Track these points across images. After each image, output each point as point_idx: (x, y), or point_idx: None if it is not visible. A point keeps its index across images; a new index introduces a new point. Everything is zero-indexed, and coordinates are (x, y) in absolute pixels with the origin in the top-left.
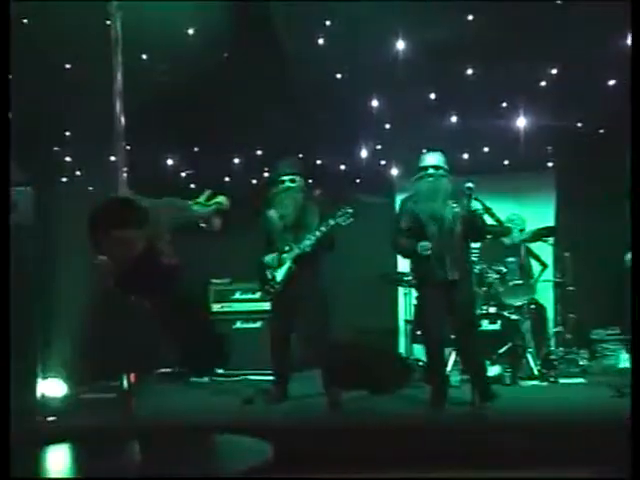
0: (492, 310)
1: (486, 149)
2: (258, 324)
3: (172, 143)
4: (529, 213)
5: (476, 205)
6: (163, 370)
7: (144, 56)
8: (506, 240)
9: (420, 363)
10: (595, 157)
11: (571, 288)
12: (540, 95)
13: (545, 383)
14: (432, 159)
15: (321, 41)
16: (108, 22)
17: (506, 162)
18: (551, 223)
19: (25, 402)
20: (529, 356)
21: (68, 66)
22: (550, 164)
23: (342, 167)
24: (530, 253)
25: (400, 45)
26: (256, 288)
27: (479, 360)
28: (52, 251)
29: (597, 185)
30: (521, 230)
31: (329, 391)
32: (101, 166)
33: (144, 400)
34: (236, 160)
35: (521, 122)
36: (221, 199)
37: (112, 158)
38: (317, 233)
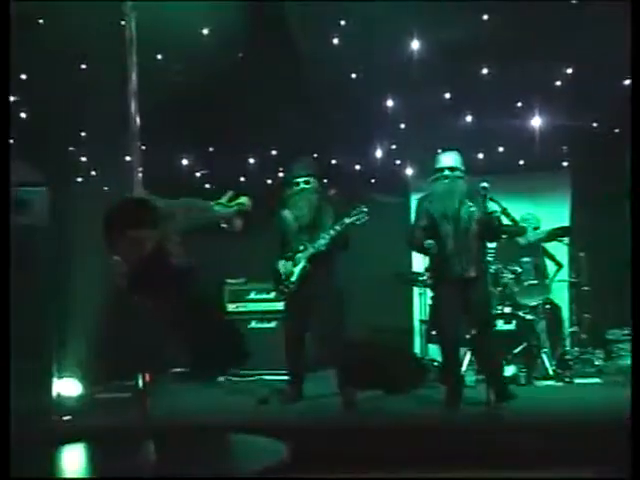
0: (507, 310)
1: (501, 149)
2: (273, 324)
3: (187, 143)
4: (544, 213)
5: (492, 205)
6: (178, 370)
7: (159, 56)
8: (521, 240)
9: (435, 363)
10: (610, 157)
11: (586, 288)
12: (555, 95)
13: (560, 383)
14: (448, 160)
15: (336, 41)
16: (123, 22)
17: (521, 162)
18: (566, 223)
19: (41, 402)
20: (544, 356)
21: (83, 66)
22: (565, 164)
23: (357, 167)
24: (545, 253)
25: (415, 45)
26: (271, 288)
27: (496, 360)
28: (67, 251)
29: (613, 185)
30: (535, 228)
31: (344, 391)
32: (116, 166)
33: (159, 400)
34: (251, 160)
35: (536, 122)
36: (243, 200)
37: (127, 158)
38: (332, 232)
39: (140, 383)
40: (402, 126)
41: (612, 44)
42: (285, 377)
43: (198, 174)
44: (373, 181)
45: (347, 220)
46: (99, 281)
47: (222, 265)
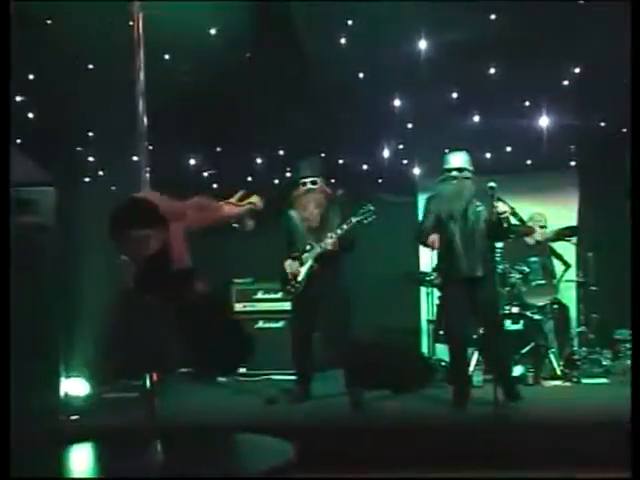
0: (515, 310)
1: (509, 148)
2: (280, 324)
3: (194, 143)
4: (552, 212)
5: (500, 205)
6: (185, 369)
7: (167, 56)
8: (529, 240)
9: (442, 363)
10: (618, 156)
11: (594, 288)
12: (563, 94)
13: (568, 383)
14: (456, 160)
15: (343, 41)
16: (131, 23)
17: (529, 161)
18: (574, 223)
19: (48, 401)
20: (552, 356)
21: (91, 66)
22: (573, 163)
23: (364, 167)
24: (553, 253)
25: (422, 44)
26: (278, 288)
27: (504, 360)
28: (75, 251)
29: (620, 184)
30: (541, 227)
31: (351, 391)
32: (124, 166)
33: (166, 399)
34: (258, 160)
35: (544, 121)
36: (254, 199)
37: (135, 158)
38: (339, 231)
39: (147, 383)
40: (409, 126)
41: (619, 43)
42: (293, 377)
43: (205, 174)
44: (380, 181)
45: (354, 219)
46: (106, 281)
47: (230, 265)
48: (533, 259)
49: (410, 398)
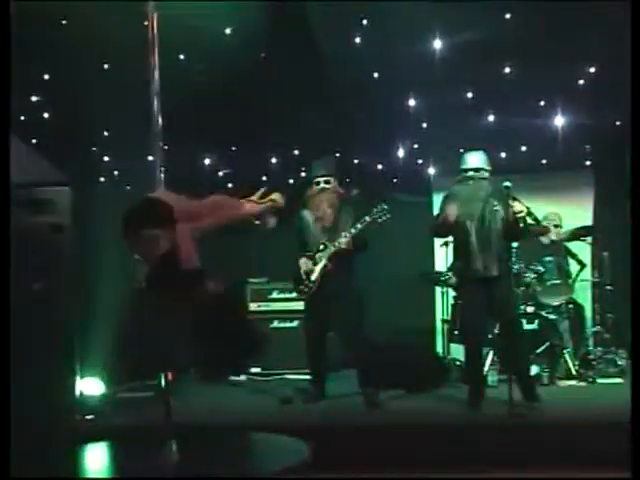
0: (530, 310)
1: (524, 148)
2: (295, 323)
3: (209, 143)
4: (567, 212)
5: (516, 205)
6: (200, 369)
7: (181, 56)
8: (544, 239)
9: (457, 362)
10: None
11: (609, 287)
12: (578, 94)
13: (583, 383)
14: (473, 160)
15: (358, 40)
16: (145, 23)
17: (544, 161)
18: (589, 222)
19: (63, 401)
20: (567, 356)
21: (106, 66)
22: (588, 163)
23: (379, 166)
24: (568, 252)
25: (437, 44)
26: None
27: (522, 360)
28: (90, 251)
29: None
30: (556, 226)
31: (366, 391)
32: (139, 166)
33: (182, 399)
34: (273, 160)
35: (559, 121)
36: (275, 196)
37: (150, 158)
38: (353, 230)
39: (163, 382)
40: (424, 125)
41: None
42: (307, 377)
43: (220, 173)
44: (395, 181)
45: (368, 218)
46: (122, 281)
47: (245, 264)
48: (548, 259)
49: (425, 398)
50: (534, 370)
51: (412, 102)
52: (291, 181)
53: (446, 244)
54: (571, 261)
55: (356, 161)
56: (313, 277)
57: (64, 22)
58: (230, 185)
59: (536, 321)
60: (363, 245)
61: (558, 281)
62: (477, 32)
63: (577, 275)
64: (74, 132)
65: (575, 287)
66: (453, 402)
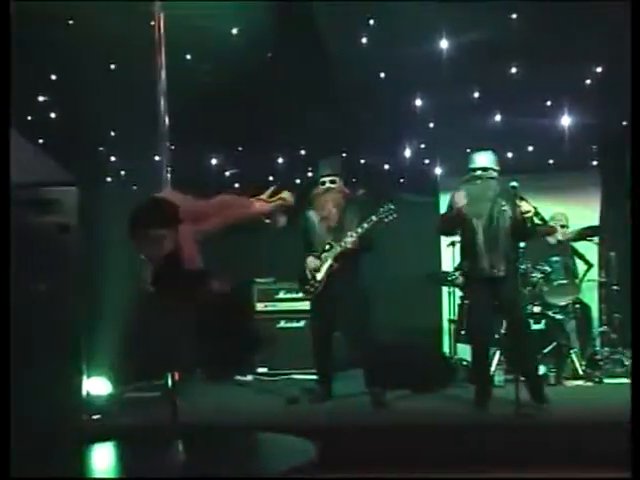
0: (537, 309)
1: (530, 148)
2: (302, 323)
3: (216, 143)
4: (573, 212)
5: (523, 205)
6: (207, 368)
7: (188, 56)
8: (550, 239)
9: (464, 362)
10: None
11: (616, 287)
12: (585, 94)
13: (590, 383)
14: (481, 160)
15: (364, 40)
16: (152, 23)
17: (551, 161)
18: (596, 222)
19: (70, 401)
20: (574, 356)
21: (113, 66)
22: (595, 163)
23: (386, 166)
24: (575, 252)
25: (443, 44)
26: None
27: (530, 360)
28: (97, 251)
29: None
30: (562, 226)
31: (372, 391)
32: (145, 166)
33: (188, 399)
34: (280, 160)
35: (565, 121)
36: (285, 194)
37: (156, 158)
38: (359, 230)
39: (169, 382)
40: (431, 125)
41: None
42: (314, 376)
43: (227, 173)
44: (402, 180)
45: (375, 218)
46: (128, 281)
47: (251, 264)
48: (555, 259)
49: (431, 398)
50: (541, 370)
51: (419, 102)
52: (298, 181)
53: (453, 244)
54: (578, 261)
55: (363, 161)
56: (319, 277)
57: (71, 22)
58: (237, 185)
59: (543, 321)
60: (369, 245)
61: (565, 281)
62: (483, 32)
63: (584, 275)
64: (81, 132)
65: (582, 287)
66: (460, 402)
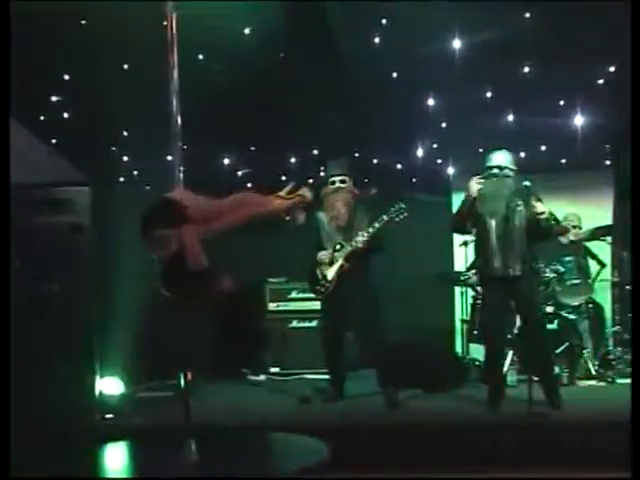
0: (549, 309)
1: (543, 148)
2: (314, 323)
3: (228, 143)
4: (586, 212)
5: (538, 205)
6: (220, 368)
7: (200, 56)
8: (563, 239)
9: (477, 362)
10: None
11: (629, 287)
12: (598, 93)
13: (603, 383)
14: (498, 159)
15: (377, 40)
16: (164, 23)
17: (563, 160)
18: (609, 222)
19: (83, 401)
20: (587, 356)
21: (125, 66)
22: (608, 163)
23: (398, 166)
24: (588, 252)
25: (456, 43)
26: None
27: (546, 361)
28: (109, 251)
29: None
30: (574, 227)
31: (385, 391)
32: (158, 166)
33: (200, 399)
34: (292, 160)
35: (578, 120)
36: (304, 192)
37: (169, 158)
38: (370, 230)
39: (182, 382)
40: (443, 125)
41: None
42: (326, 376)
43: (239, 173)
44: (414, 180)
45: (386, 217)
46: (141, 281)
47: (264, 264)
48: (568, 258)
49: (444, 398)
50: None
51: (431, 102)
52: (311, 181)
53: (465, 244)
54: (591, 261)
55: (375, 161)
56: (330, 277)
57: (83, 22)
58: (249, 185)
59: (556, 321)
60: (380, 245)
61: (578, 281)
62: (496, 31)
63: (597, 275)
64: (94, 132)
65: (595, 287)
66: (472, 402)
